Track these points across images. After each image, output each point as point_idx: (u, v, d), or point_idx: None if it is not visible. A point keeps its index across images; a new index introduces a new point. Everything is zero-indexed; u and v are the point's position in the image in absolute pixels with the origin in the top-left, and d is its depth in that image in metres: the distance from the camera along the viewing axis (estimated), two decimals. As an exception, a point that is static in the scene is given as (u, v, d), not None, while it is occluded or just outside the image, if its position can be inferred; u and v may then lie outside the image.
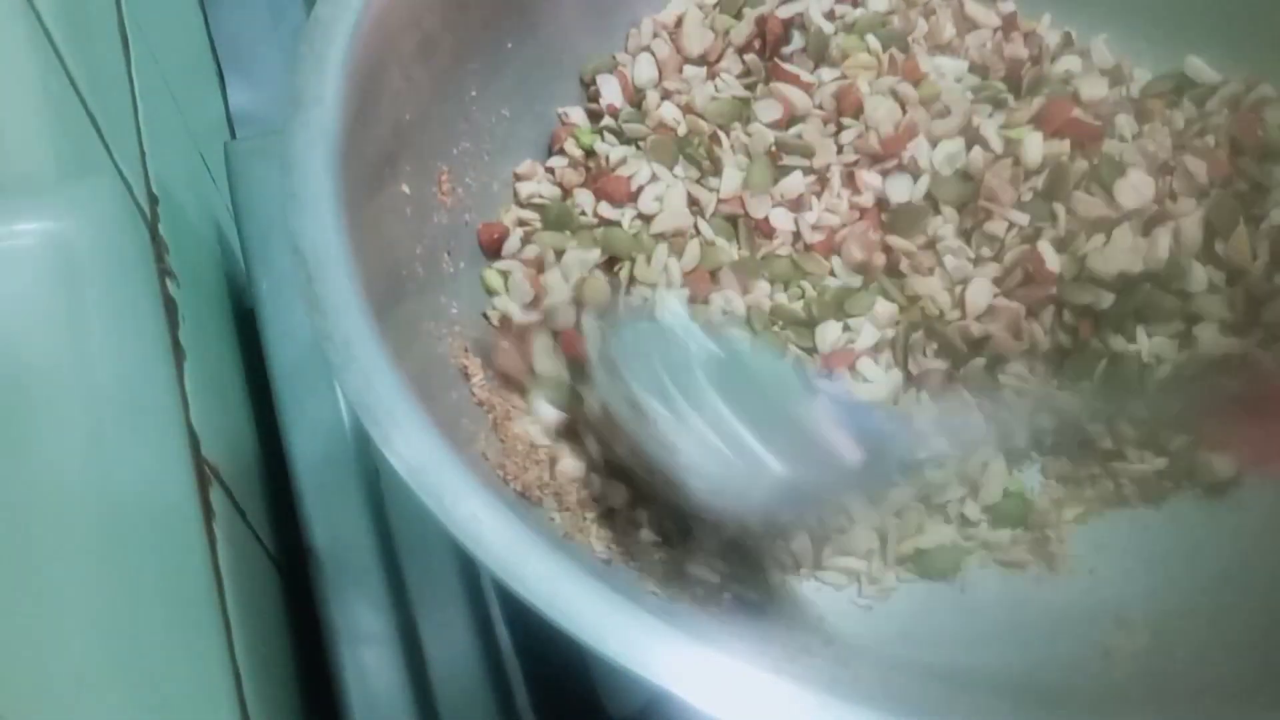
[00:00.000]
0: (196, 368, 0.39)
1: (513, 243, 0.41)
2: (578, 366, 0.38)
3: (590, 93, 0.45)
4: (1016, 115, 0.42)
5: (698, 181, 0.42)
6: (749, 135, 0.42)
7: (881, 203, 0.41)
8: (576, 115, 0.44)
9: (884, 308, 0.40)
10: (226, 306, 0.51)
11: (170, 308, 0.38)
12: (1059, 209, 0.40)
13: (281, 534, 0.46)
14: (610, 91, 0.44)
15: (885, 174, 0.42)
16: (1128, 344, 0.39)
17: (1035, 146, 0.41)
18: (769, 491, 0.33)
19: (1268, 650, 0.34)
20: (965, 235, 0.41)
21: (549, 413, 0.37)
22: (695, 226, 0.42)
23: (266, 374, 0.46)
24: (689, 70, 0.45)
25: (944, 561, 0.39)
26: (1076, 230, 0.39)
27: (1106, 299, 0.39)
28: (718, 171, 0.42)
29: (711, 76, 0.45)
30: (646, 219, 0.42)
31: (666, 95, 0.44)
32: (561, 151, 0.44)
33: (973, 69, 0.45)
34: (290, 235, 0.30)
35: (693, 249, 0.41)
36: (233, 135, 0.64)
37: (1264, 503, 0.39)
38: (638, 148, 0.43)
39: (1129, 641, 0.36)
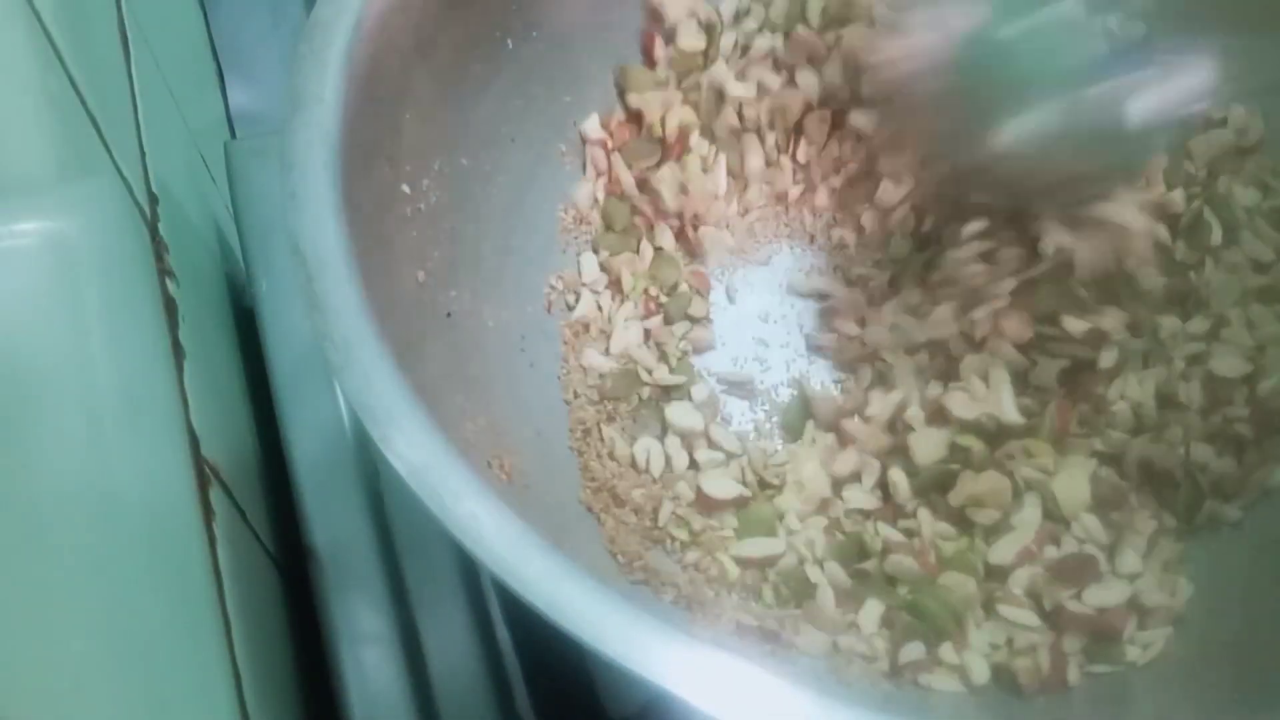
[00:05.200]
0: (196, 368, 0.39)
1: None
2: None
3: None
4: None
5: None
6: None
7: None
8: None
9: None
10: (226, 306, 0.51)
11: (170, 308, 0.38)
12: None
13: (281, 534, 0.46)
14: None
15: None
16: None
17: None
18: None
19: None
20: None
21: None
22: None
23: (266, 374, 0.46)
24: None
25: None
26: None
27: None
28: None
29: None
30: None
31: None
32: None
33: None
34: (290, 235, 0.30)
35: None
36: (233, 135, 0.64)
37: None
38: None
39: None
